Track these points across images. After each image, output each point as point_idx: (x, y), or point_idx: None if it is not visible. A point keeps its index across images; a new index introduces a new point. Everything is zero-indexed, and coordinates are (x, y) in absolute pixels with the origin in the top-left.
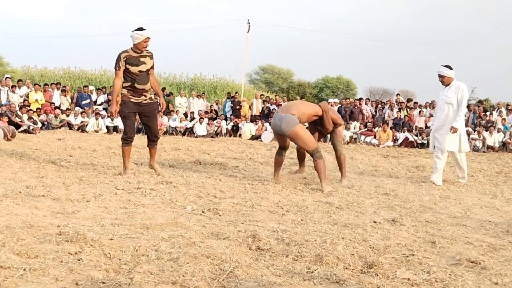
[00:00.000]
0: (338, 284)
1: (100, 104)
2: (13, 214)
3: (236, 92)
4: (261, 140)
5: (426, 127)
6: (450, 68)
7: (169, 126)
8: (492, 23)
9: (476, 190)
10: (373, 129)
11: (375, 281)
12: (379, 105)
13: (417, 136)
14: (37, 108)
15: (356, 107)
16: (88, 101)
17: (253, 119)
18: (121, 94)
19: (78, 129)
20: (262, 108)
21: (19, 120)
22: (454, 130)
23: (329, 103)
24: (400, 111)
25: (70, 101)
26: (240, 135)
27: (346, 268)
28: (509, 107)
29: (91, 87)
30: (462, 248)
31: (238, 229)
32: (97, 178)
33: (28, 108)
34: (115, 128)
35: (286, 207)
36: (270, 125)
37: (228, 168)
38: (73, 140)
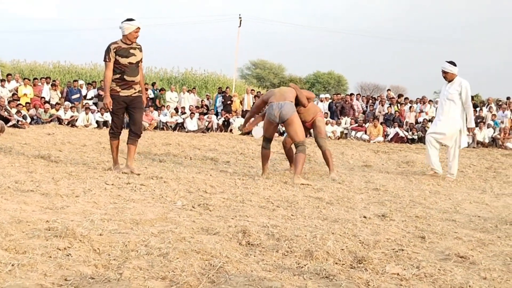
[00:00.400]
0: (328, 279)
1: (90, 99)
2: (1, 209)
3: (227, 87)
4: (252, 135)
5: (417, 122)
6: (454, 64)
7: (160, 121)
8: (483, 20)
9: (465, 186)
10: (363, 124)
11: (364, 276)
12: (370, 101)
13: (407, 131)
14: (26, 103)
15: (347, 103)
16: (78, 95)
17: (244, 114)
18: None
19: (67, 124)
20: (253, 103)
21: (8, 114)
22: (472, 130)
23: (320, 98)
24: (390, 106)
25: (60, 95)
26: (231, 130)
27: (336, 263)
28: (499, 103)
29: (81, 82)
30: (451, 243)
31: (228, 224)
32: (87, 173)
33: (17, 103)
34: (105, 123)
35: (276, 203)
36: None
37: (219, 163)
38: (63, 135)
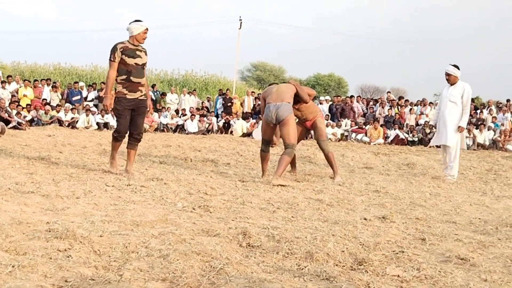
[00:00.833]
0: (328, 281)
1: (90, 101)
2: (2, 211)
3: (227, 89)
4: (252, 137)
5: (417, 124)
6: (458, 68)
7: (160, 123)
8: (483, 22)
9: (466, 188)
10: (364, 126)
11: (365, 277)
12: (370, 103)
13: (408, 133)
14: (27, 104)
15: (347, 105)
16: (78, 97)
17: (245, 116)
18: (116, 90)
19: (68, 126)
20: (254, 105)
21: (8, 116)
22: (461, 129)
23: (320, 101)
24: (391, 108)
25: (60, 97)
26: (231, 132)
27: (336, 265)
28: (499, 105)
29: (81, 83)
30: (451, 245)
31: (228, 226)
32: (87, 174)
33: (17, 104)
34: (106, 125)
35: (277, 204)
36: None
37: (219, 165)
38: (63, 137)
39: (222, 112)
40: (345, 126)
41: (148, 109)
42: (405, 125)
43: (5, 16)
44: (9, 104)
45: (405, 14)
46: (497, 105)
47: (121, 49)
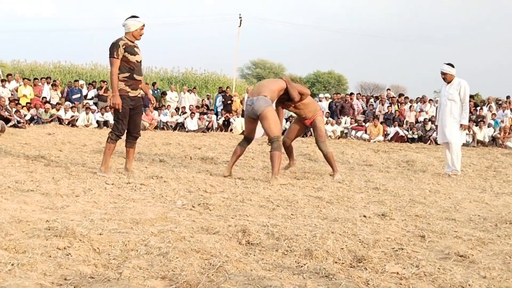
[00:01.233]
0: (328, 278)
1: (90, 99)
2: (2, 209)
3: (227, 87)
4: None
5: (417, 121)
6: (452, 66)
7: (160, 121)
8: (482, 19)
9: (465, 185)
10: (363, 124)
11: (364, 275)
12: (370, 100)
13: (407, 130)
14: (26, 103)
15: (347, 102)
16: (78, 95)
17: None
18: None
19: (68, 124)
20: None
21: (8, 114)
22: (464, 127)
23: (320, 98)
24: (391, 106)
25: (60, 95)
26: (231, 130)
27: (336, 262)
28: (499, 102)
29: (81, 82)
30: (451, 242)
31: (228, 224)
32: (87, 173)
33: (17, 102)
34: (106, 123)
35: (276, 202)
36: None
37: (219, 162)
38: (63, 135)
39: (222, 110)
40: (345, 123)
41: (152, 103)
42: (405, 122)
43: (5, 14)
44: (9, 102)
45: (405, 12)
46: (496, 102)
47: (124, 46)
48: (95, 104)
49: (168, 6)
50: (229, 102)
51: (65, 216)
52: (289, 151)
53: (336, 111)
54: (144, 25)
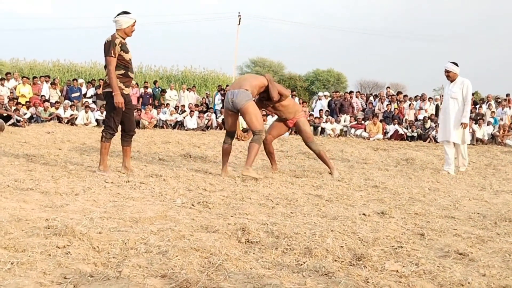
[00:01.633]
0: (327, 277)
1: (89, 97)
2: (1, 208)
3: (227, 85)
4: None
5: (416, 120)
6: (457, 65)
7: (160, 119)
8: (482, 17)
9: (465, 183)
10: (363, 122)
11: (363, 273)
12: (370, 98)
13: (407, 129)
14: (26, 101)
15: (346, 100)
16: (77, 94)
17: None
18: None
19: (67, 122)
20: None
21: (7, 112)
22: (464, 125)
23: (319, 96)
24: (390, 104)
25: (59, 94)
26: None
27: (335, 261)
28: (498, 100)
29: (80, 80)
30: (450, 240)
31: (227, 222)
32: (86, 171)
33: (16, 101)
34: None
35: (276, 200)
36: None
37: (219, 161)
38: (62, 133)
39: (221, 108)
40: (344, 121)
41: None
42: (404, 121)
43: (4, 13)
44: (8, 101)
45: (404, 10)
46: (496, 100)
47: (120, 44)
48: (94, 102)
49: (167, 4)
50: None
51: (64, 214)
52: (270, 152)
53: (335, 109)
54: (135, 22)
